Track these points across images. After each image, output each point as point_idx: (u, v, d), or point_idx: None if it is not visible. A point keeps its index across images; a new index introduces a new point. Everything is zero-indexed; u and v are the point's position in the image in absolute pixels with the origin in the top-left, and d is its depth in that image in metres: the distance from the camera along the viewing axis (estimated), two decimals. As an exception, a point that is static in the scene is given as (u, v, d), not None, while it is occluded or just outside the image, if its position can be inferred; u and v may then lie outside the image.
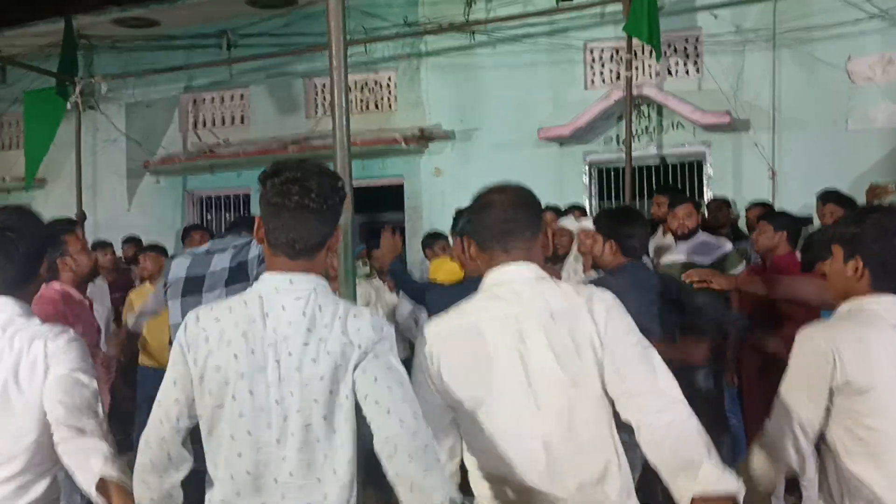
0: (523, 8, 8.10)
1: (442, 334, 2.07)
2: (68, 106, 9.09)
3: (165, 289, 3.28)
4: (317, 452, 1.89)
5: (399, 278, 4.38)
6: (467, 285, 3.56)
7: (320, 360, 1.88)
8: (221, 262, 3.13)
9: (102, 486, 1.98)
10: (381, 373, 1.89)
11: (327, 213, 1.95)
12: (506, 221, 2.10)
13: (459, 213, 4.04)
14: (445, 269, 4.83)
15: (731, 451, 4.71)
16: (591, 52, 8.22)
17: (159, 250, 6.26)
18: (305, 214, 1.91)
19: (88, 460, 2.04)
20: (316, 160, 2.06)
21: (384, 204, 9.15)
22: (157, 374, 5.90)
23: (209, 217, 9.95)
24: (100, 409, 2.22)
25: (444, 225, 6.29)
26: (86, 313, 3.78)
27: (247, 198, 9.68)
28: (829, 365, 2.07)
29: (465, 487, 2.12)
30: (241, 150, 9.23)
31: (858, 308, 2.16)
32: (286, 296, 1.93)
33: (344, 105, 2.88)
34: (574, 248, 5.74)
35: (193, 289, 3.13)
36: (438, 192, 8.48)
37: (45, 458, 2.21)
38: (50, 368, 2.16)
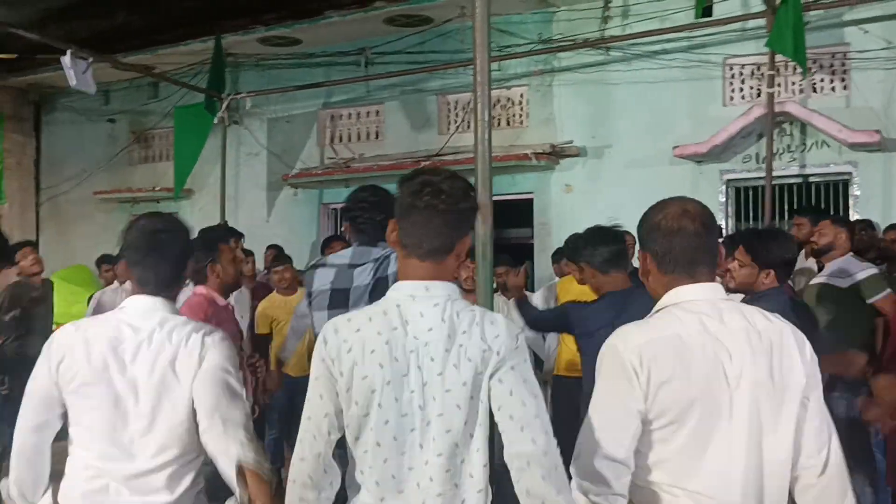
0: (660, 23, 7.97)
1: (647, 343, 1.98)
2: (215, 121, 9.56)
3: (310, 299, 3.33)
4: (455, 457, 1.92)
5: (528, 313, 4.38)
6: (611, 301, 3.54)
7: (462, 366, 1.90)
8: (363, 278, 3.18)
9: (240, 472, 2.06)
10: (517, 385, 1.91)
11: (456, 217, 1.98)
12: (696, 250, 2.04)
13: (574, 239, 4.00)
14: (579, 290, 4.85)
15: (875, 494, 4.45)
16: (731, 67, 8.00)
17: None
18: (436, 215, 1.96)
19: (229, 448, 2.15)
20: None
21: (513, 220, 9.18)
22: (293, 382, 6.07)
23: (342, 229, 10.22)
24: (244, 399, 2.33)
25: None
26: (229, 318, 3.95)
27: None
28: None
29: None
30: (375, 165, 9.46)
31: None
32: (423, 303, 1.96)
33: (486, 119, 2.93)
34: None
35: (339, 303, 3.18)
36: (568, 209, 8.44)
37: (193, 447, 2.32)
38: (204, 360, 2.28)
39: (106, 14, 9.67)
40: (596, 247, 3.63)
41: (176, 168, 9.79)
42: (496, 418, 1.92)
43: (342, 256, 3.34)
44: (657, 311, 2.08)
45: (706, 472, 1.92)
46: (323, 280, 3.28)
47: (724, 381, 1.93)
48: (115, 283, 6.89)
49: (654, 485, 1.98)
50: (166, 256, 2.38)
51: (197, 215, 10.62)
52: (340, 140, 10.20)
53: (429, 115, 9.50)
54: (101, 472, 2.29)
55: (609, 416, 1.97)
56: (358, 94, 9.90)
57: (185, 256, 2.46)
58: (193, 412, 2.29)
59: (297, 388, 6.55)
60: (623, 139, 8.27)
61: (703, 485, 1.92)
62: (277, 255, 7.29)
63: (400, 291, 2.00)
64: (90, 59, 7.82)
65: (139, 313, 2.35)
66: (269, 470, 2.10)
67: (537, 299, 6.52)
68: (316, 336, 3.16)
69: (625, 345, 1.98)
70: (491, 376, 1.91)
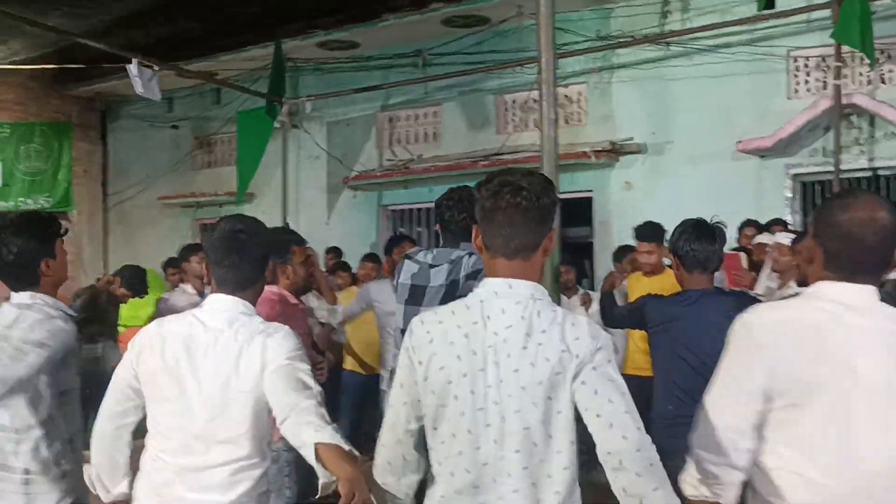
0: (722, 17, 7.85)
1: (778, 322, 1.98)
2: (276, 125, 9.69)
3: (396, 286, 3.41)
4: (533, 456, 1.92)
5: (608, 310, 4.33)
6: (686, 297, 3.47)
7: (539, 365, 1.91)
8: (438, 279, 3.21)
9: (318, 453, 2.07)
10: (601, 385, 1.90)
11: (539, 213, 1.99)
12: (868, 258, 1.98)
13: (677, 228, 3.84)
14: (660, 285, 4.79)
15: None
16: (796, 60, 7.84)
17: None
18: (518, 213, 1.96)
19: (302, 433, 2.16)
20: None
21: (571, 218, 9.12)
22: (360, 378, 6.16)
23: (402, 230, 10.28)
24: (314, 386, 2.33)
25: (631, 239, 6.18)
26: (301, 316, 4.00)
27: (438, 212, 9.92)
28: None
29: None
30: (433, 166, 9.49)
31: None
32: (506, 300, 1.97)
33: (552, 117, 2.93)
34: (769, 264, 5.49)
35: (415, 299, 3.24)
36: (629, 207, 8.35)
37: (257, 450, 2.37)
38: (267, 364, 2.31)
39: (168, 22, 9.88)
40: (688, 242, 3.52)
41: (239, 172, 9.95)
42: (585, 420, 1.91)
43: (427, 255, 3.39)
44: (794, 294, 2.07)
45: (825, 463, 1.89)
46: (406, 274, 3.34)
47: (854, 375, 1.89)
48: (181, 286, 7.02)
49: (773, 468, 1.97)
50: (245, 257, 2.43)
51: (259, 218, 10.76)
52: (399, 142, 10.26)
53: (487, 115, 9.49)
54: (166, 465, 2.36)
55: (731, 389, 1.99)
56: (416, 95, 9.94)
57: (264, 258, 2.51)
58: (258, 415, 2.34)
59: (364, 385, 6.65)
60: (684, 135, 8.16)
61: (820, 474, 1.89)
62: (339, 263, 7.54)
63: (485, 288, 2.02)
64: (155, 67, 7.98)
65: (213, 312, 2.42)
66: (349, 447, 2.12)
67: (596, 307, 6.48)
68: (400, 329, 3.20)
69: (757, 320, 2.00)
70: (573, 379, 1.90)
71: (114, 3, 7.15)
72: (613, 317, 4.19)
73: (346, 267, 8.46)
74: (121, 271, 6.62)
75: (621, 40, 8.38)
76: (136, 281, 5.97)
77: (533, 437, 1.91)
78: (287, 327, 2.45)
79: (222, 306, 2.42)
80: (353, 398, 6.53)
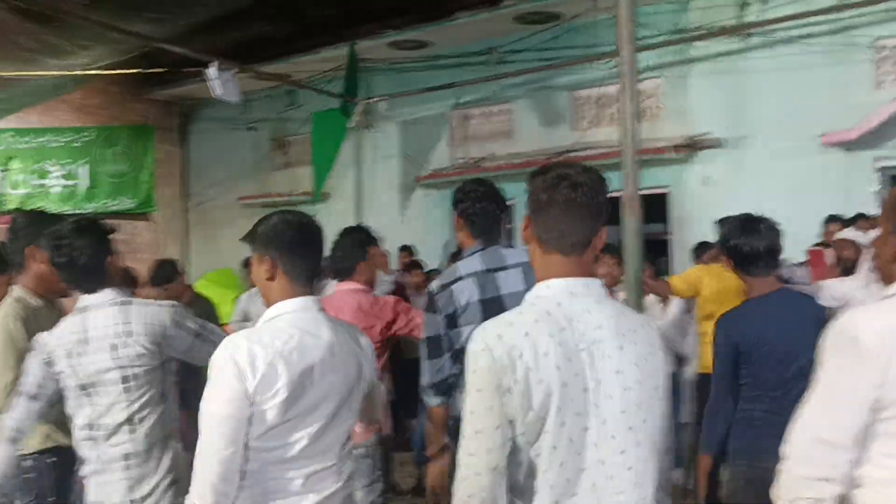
0: (803, 7, 7.63)
1: (890, 328, 1.87)
2: (350, 125, 9.80)
3: (452, 317, 3.22)
4: (635, 458, 1.88)
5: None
6: (755, 309, 3.29)
7: (640, 365, 1.89)
8: (514, 283, 3.12)
9: None
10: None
11: (596, 209, 1.93)
12: None
13: (724, 223, 3.59)
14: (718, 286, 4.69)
15: None
16: (881, 49, 7.57)
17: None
18: (576, 208, 1.91)
19: None
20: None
21: (647, 214, 8.96)
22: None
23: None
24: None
25: (714, 235, 6.06)
26: (391, 303, 4.03)
27: (510, 209, 9.90)
28: None
29: None
30: (506, 163, 9.47)
31: None
32: (585, 300, 1.92)
33: (632, 112, 2.89)
34: (865, 262, 5.31)
35: (494, 313, 3.14)
36: (708, 202, 8.18)
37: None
38: (363, 365, 2.36)
39: (245, 26, 10.06)
40: (738, 240, 3.24)
41: (314, 172, 10.09)
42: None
43: (472, 263, 3.20)
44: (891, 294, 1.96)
45: None
46: (467, 294, 3.15)
47: None
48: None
49: (875, 481, 1.88)
50: (319, 249, 2.43)
51: (333, 217, 10.89)
52: (471, 140, 10.26)
53: (559, 112, 9.42)
54: (283, 473, 2.32)
55: (833, 398, 1.89)
56: (488, 93, 9.93)
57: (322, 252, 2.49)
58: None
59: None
60: (765, 128, 7.96)
61: None
62: (412, 262, 7.58)
63: (555, 289, 1.93)
64: (233, 70, 8.14)
65: (310, 318, 2.35)
66: None
67: (676, 302, 6.36)
68: (459, 348, 3.10)
69: (866, 326, 1.88)
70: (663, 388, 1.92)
71: (194, 9, 7.31)
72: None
73: (419, 265, 8.54)
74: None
75: (698, 33, 8.22)
76: (156, 273, 5.98)
77: (637, 438, 1.88)
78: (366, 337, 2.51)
79: (311, 310, 2.38)
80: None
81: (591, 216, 1.93)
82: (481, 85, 9.81)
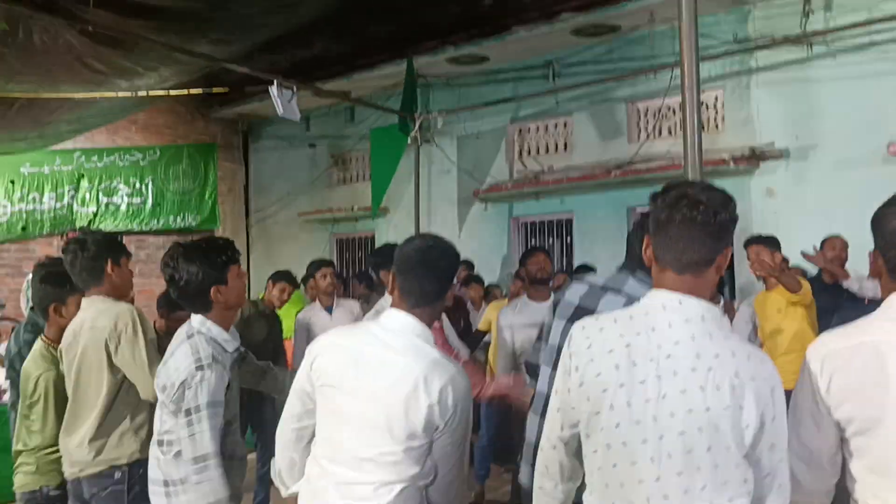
0: (869, 14, 7.46)
1: (832, 352, 1.93)
2: (408, 140, 9.88)
3: (555, 306, 3.30)
4: (694, 481, 1.84)
5: None
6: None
7: (708, 391, 1.83)
8: (612, 304, 3.03)
9: None
10: (777, 438, 1.88)
11: (716, 229, 1.91)
12: None
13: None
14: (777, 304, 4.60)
15: None
16: (952, 56, 7.37)
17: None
18: (693, 227, 1.90)
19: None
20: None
21: (710, 227, 8.86)
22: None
23: (533, 242, 10.27)
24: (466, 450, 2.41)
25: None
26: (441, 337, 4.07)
27: (569, 223, 9.86)
28: None
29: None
30: (564, 177, 9.44)
31: None
32: (674, 314, 1.91)
33: (696, 123, 2.86)
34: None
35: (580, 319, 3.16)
36: (771, 214, 8.04)
37: (407, 473, 2.35)
38: (442, 414, 2.30)
39: (305, 44, 10.24)
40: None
41: (373, 187, 10.20)
42: (753, 470, 1.89)
43: (599, 277, 3.27)
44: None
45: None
46: (572, 294, 3.21)
47: None
48: (317, 301, 7.19)
49: (852, 500, 1.93)
50: (431, 273, 2.46)
51: (392, 232, 11.02)
52: (529, 153, 10.26)
53: (618, 124, 9.36)
54: (323, 472, 2.42)
55: (796, 419, 1.96)
56: (545, 106, 9.92)
57: (448, 279, 2.52)
58: (412, 444, 2.32)
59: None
60: (830, 139, 7.79)
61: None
62: (471, 276, 7.64)
63: (652, 299, 1.97)
64: (294, 89, 8.28)
65: (391, 331, 2.43)
66: None
67: (741, 316, 6.28)
68: (550, 348, 3.14)
69: (813, 352, 1.96)
70: (755, 431, 1.84)
71: (257, 29, 7.46)
72: None
73: (479, 280, 8.54)
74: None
75: (760, 43, 8.10)
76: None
77: (697, 462, 1.83)
78: (460, 367, 2.42)
79: (398, 325, 2.43)
80: (490, 410, 6.56)
81: (710, 235, 1.91)
82: (539, 98, 9.81)
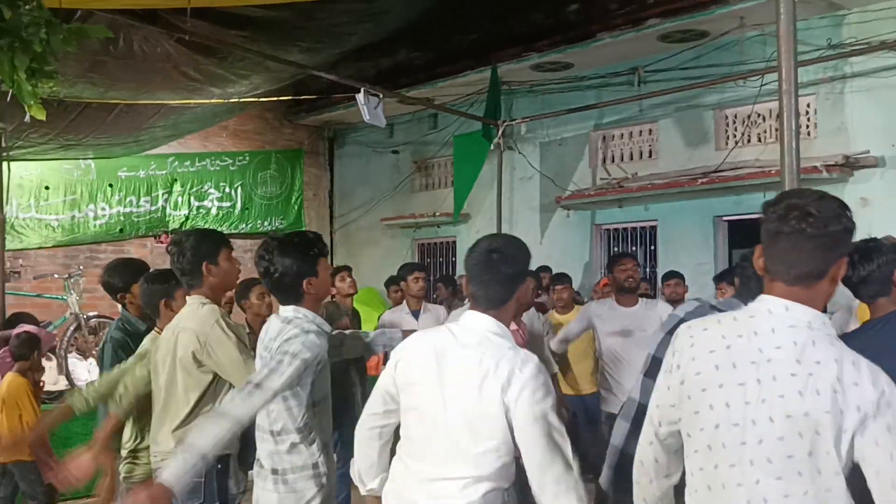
0: (973, 17, 7.19)
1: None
2: (491, 147, 9.91)
3: (664, 320, 3.37)
4: (795, 486, 1.81)
5: None
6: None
7: (807, 396, 1.81)
8: None
9: None
10: (882, 437, 1.79)
11: (827, 240, 1.88)
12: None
13: None
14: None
15: None
16: None
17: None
18: (802, 240, 1.87)
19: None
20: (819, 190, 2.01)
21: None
22: (574, 400, 6.22)
23: (616, 249, 10.17)
24: (567, 449, 2.37)
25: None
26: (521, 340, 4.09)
27: (653, 230, 9.74)
28: None
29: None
30: (649, 184, 9.33)
31: None
32: (778, 320, 1.90)
33: (794, 129, 2.82)
34: None
35: None
36: (865, 224, 7.67)
37: (490, 469, 2.38)
38: (516, 401, 2.33)
39: (391, 52, 10.41)
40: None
41: (455, 193, 10.26)
42: (865, 473, 1.82)
43: (727, 303, 3.11)
44: None
45: None
46: (681, 309, 3.28)
47: None
48: (403, 304, 7.30)
49: None
50: (495, 277, 2.49)
51: (474, 238, 10.96)
52: (612, 160, 10.17)
53: (705, 131, 9.21)
54: (407, 469, 2.47)
55: None
56: (630, 113, 9.82)
57: (516, 280, 2.53)
58: (495, 439, 2.36)
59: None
60: (928, 147, 7.53)
61: None
62: (558, 275, 7.57)
63: (760, 304, 1.96)
64: (380, 96, 8.41)
65: (466, 329, 2.50)
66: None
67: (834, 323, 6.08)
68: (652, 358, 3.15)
69: None
70: (852, 431, 1.80)
71: (344, 37, 7.62)
72: None
73: (565, 278, 8.45)
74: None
75: (856, 48, 7.86)
76: None
77: (797, 467, 1.81)
78: (536, 359, 2.44)
79: (475, 325, 2.49)
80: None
81: (821, 247, 1.88)
82: (624, 105, 9.72)
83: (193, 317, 3.45)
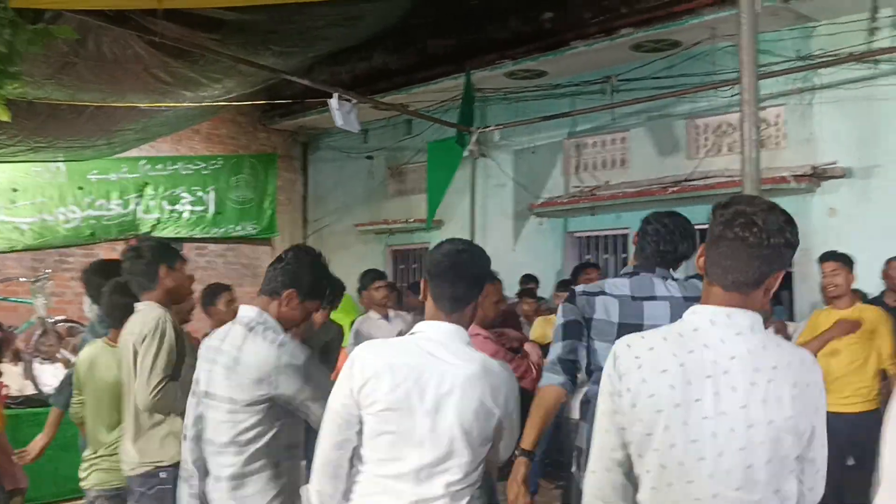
0: (938, 31, 7.31)
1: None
2: (465, 154, 9.92)
3: (586, 325, 3.30)
4: (754, 493, 1.83)
5: None
6: None
7: (770, 403, 1.82)
8: (659, 315, 3.10)
9: None
10: (822, 431, 1.90)
11: (767, 252, 1.87)
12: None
13: None
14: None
15: None
16: None
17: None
18: (742, 248, 1.87)
19: None
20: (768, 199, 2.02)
21: (769, 246, 8.71)
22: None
23: (587, 257, 10.22)
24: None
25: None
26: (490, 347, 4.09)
27: (624, 238, 9.79)
28: None
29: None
30: (621, 192, 9.39)
31: None
32: (724, 329, 1.89)
33: (754, 139, 2.85)
34: None
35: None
36: (833, 235, 7.87)
37: (477, 477, 2.44)
38: (506, 415, 2.43)
39: (367, 57, 10.40)
40: None
41: (429, 200, 10.26)
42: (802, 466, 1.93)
43: (620, 286, 3.24)
44: None
45: None
46: (603, 311, 3.19)
47: None
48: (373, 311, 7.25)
49: None
50: (463, 277, 2.49)
51: (447, 245, 11.05)
52: (585, 168, 10.23)
53: (676, 140, 9.29)
54: (386, 489, 2.38)
55: None
56: (603, 122, 9.89)
57: (479, 283, 2.55)
58: (474, 446, 2.38)
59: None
60: (895, 158, 7.63)
61: None
62: (524, 290, 7.60)
63: (698, 315, 1.94)
64: (354, 101, 8.40)
65: (438, 339, 2.45)
66: None
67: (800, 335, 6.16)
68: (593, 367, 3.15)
69: None
70: (811, 434, 1.89)
71: (318, 42, 7.59)
72: None
73: (532, 294, 8.53)
74: None
75: (825, 59, 7.97)
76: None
77: (755, 476, 1.82)
78: (506, 365, 2.50)
79: (445, 336, 2.45)
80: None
81: (759, 258, 1.87)
82: (597, 114, 9.78)
83: (140, 318, 3.45)
